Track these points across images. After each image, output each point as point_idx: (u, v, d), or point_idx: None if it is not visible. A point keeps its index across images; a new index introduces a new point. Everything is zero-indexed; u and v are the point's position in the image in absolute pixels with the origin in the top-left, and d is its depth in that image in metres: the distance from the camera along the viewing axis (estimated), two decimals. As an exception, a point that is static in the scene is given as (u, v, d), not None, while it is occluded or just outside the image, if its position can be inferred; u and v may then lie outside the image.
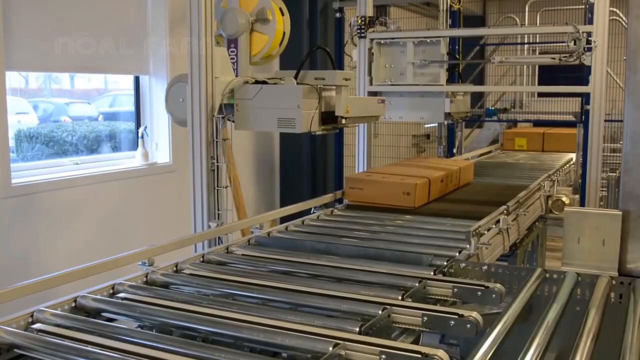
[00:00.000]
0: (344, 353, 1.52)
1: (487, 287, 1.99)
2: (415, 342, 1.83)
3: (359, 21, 4.73)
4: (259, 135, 6.46)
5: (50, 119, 4.88)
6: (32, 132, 4.58)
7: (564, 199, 4.29)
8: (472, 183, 4.38)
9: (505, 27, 7.67)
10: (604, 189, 4.93)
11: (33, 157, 4.54)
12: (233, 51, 3.50)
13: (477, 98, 7.54)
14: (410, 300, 1.93)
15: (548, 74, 7.84)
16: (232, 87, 3.24)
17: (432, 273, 2.24)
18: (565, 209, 2.40)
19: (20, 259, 4.11)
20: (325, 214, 3.39)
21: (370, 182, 3.57)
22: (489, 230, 2.89)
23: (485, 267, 2.35)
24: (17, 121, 4.49)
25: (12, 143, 4.34)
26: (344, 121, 3.28)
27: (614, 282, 2.19)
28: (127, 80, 5.26)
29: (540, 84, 8.04)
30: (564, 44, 4.31)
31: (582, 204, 4.30)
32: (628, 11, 2.33)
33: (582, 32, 4.13)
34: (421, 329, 1.80)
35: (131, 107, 5.30)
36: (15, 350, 1.64)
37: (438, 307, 1.88)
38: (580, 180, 4.65)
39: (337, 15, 6.02)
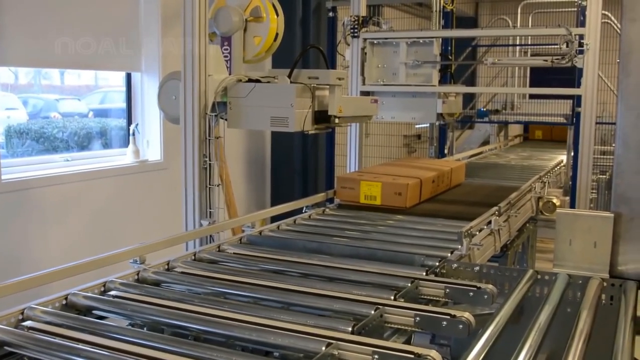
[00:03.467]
0: (336, 353, 1.52)
1: (479, 287, 2.00)
2: (406, 342, 1.83)
3: (352, 21, 4.73)
4: (251, 133, 6.45)
5: (39, 115, 4.85)
6: (23, 128, 4.54)
7: (555, 200, 4.31)
8: (464, 184, 4.39)
9: (498, 29, 7.70)
10: (594, 191, 4.95)
11: (23, 153, 4.50)
12: (227, 49, 3.49)
13: (468, 99, 7.56)
14: (402, 300, 1.92)
15: (539, 76, 7.87)
16: (225, 85, 3.23)
17: (424, 273, 2.24)
18: (557, 210, 2.41)
19: (11, 255, 4.08)
20: (316, 214, 3.39)
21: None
22: (480, 231, 2.89)
23: (477, 268, 2.35)
24: (6, 117, 4.46)
25: (1, 139, 4.31)
26: (337, 120, 3.28)
27: (605, 284, 2.21)
28: (118, 77, 5.23)
29: (531, 85, 8.07)
30: (555, 46, 4.32)
31: (572, 205, 4.32)
32: (620, 14, 2.34)
33: (574, 35, 4.14)
34: (413, 329, 1.80)
35: (122, 104, 5.27)
36: (6, 347, 1.62)
37: (430, 308, 1.87)
38: (570, 182, 4.67)
39: (330, 14, 6.01)
